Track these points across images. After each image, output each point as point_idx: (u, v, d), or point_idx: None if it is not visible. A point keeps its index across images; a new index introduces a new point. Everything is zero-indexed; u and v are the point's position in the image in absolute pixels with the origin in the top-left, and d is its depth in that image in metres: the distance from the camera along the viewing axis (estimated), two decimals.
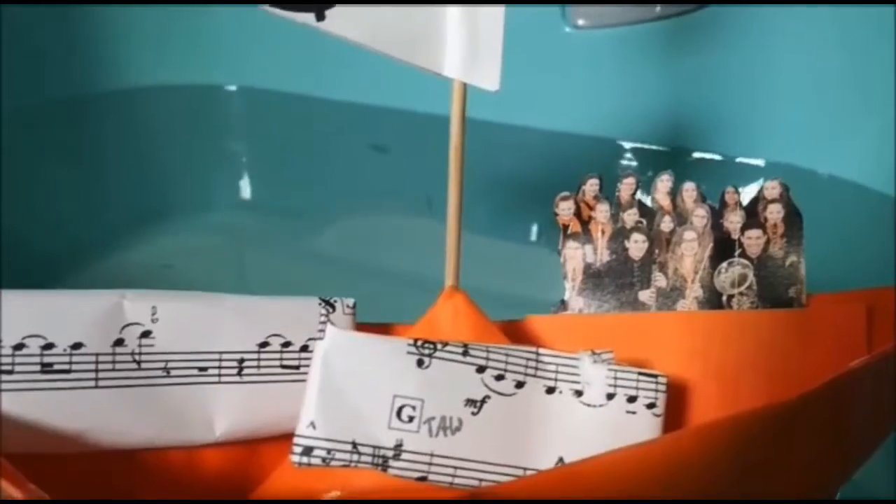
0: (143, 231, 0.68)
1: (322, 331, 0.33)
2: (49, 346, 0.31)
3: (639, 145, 0.76)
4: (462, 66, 0.33)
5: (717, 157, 0.75)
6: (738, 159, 0.75)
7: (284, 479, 0.32)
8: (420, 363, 0.31)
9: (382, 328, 0.37)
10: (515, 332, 0.38)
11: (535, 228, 0.68)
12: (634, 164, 0.76)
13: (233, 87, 0.86)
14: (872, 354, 0.30)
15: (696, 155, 0.75)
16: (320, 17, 0.31)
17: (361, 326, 0.36)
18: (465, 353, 0.32)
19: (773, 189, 0.39)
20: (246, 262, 0.69)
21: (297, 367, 0.35)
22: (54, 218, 0.68)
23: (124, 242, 0.67)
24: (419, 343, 0.31)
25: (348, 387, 0.30)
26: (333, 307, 0.36)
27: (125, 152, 0.78)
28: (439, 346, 0.31)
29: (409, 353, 0.31)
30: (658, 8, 0.71)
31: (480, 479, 0.31)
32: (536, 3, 0.72)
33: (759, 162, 0.74)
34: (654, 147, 0.76)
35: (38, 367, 0.30)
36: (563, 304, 0.40)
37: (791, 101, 0.72)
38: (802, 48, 0.71)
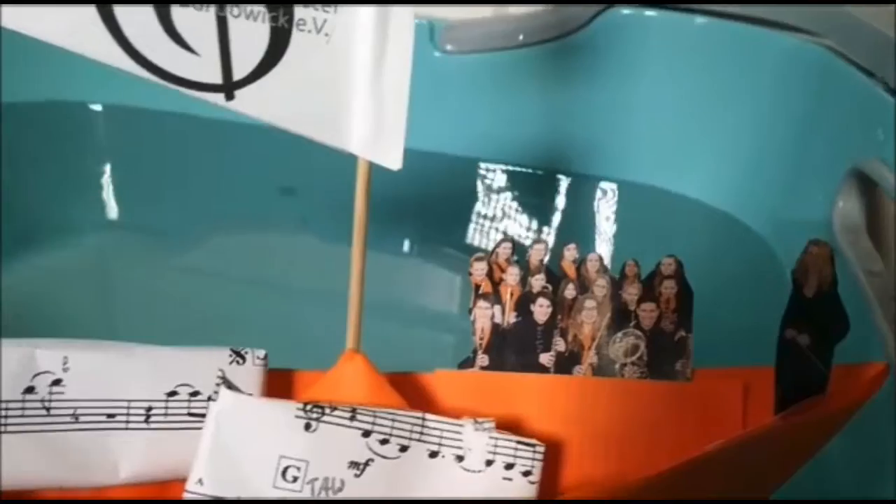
0: (7, 256, 0.67)
1: (222, 375, 0.35)
2: None
3: (506, 166, 0.82)
4: (367, 144, 0.35)
5: (578, 177, 0.81)
6: (599, 181, 0.81)
7: None
8: (307, 427, 0.33)
9: (288, 374, 0.38)
10: (420, 385, 0.40)
11: (406, 242, 0.73)
12: (502, 184, 0.81)
13: (97, 105, 0.84)
14: (729, 439, 0.32)
15: (559, 175, 0.81)
16: (230, 98, 0.33)
17: (271, 374, 0.38)
18: (352, 418, 0.34)
19: (668, 266, 0.41)
20: (114, 285, 0.69)
21: (205, 416, 0.37)
22: None
23: None
24: (308, 407, 0.33)
25: (237, 447, 0.32)
26: (244, 358, 0.38)
27: None
28: (327, 411, 0.34)
29: (297, 416, 0.33)
30: (521, 36, 0.75)
31: None
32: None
33: (615, 183, 0.81)
34: (519, 168, 0.81)
35: None
36: (470, 360, 0.42)
37: (647, 125, 0.79)
38: (656, 76, 0.77)
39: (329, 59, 0.34)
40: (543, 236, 0.81)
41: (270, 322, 0.64)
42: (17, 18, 0.30)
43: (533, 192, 0.83)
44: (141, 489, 0.36)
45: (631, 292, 0.41)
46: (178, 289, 0.69)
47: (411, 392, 0.40)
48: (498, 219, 0.81)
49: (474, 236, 0.80)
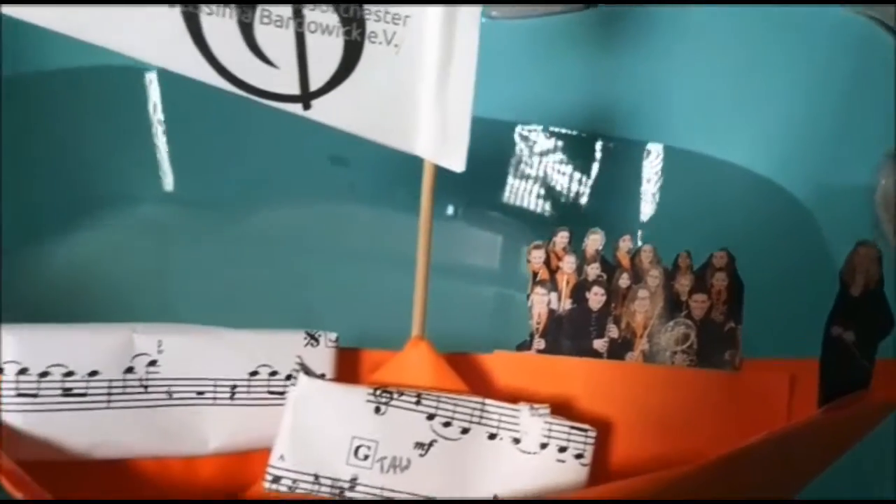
0: (66, 225, 0.70)
1: (300, 360, 0.39)
2: (69, 373, 0.37)
3: (549, 130, 0.83)
4: (432, 147, 0.37)
5: (622, 142, 0.82)
6: (643, 145, 0.82)
7: None
8: (377, 410, 0.36)
9: (355, 353, 0.41)
10: (480, 365, 0.43)
11: (450, 204, 0.76)
12: (546, 147, 0.83)
13: (151, 70, 0.84)
14: (771, 432, 0.34)
15: (603, 139, 0.83)
16: (307, 108, 0.36)
17: (341, 351, 0.41)
18: (417, 402, 0.37)
19: (720, 259, 0.42)
20: (169, 253, 0.71)
21: (282, 394, 0.40)
22: None
23: (46, 239, 0.69)
24: (378, 392, 0.37)
25: (314, 427, 0.36)
26: (317, 340, 0.41)
27: (42, 140, 0.76)
28: (395, 395, 0.37)
29: (368, 400, 0.36)
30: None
31: None
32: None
33: (659, 148, 0.82)
34: (563, 131, 0.83)
35: (59, 392, 0.36)
36: (527, 343, 0.44)
37: (691, 91, 0.79)
38: (700, 42, 0.77)
39: (398, 69, 0.36)
40: (585, 199, 0.82)
41: (325, 289, 0.67)
42: (108, 34, 0.33)
43: (576, 155, 0.84)
44: (226, 458, 0.40)
45: (683, 283, 0.43)
46: (231, 255, 0.71)
47: (471, 372, 0.42)
48: (541, 181, 0.83)
49: (517, 198, 0.82)
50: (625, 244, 0.44)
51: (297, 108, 0.36)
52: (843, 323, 0.37)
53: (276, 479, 0.36)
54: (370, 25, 0.35)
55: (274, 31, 0.34)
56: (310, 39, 0.35)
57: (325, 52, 0.35)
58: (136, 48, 0.33)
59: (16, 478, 0.32)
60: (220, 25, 0.33)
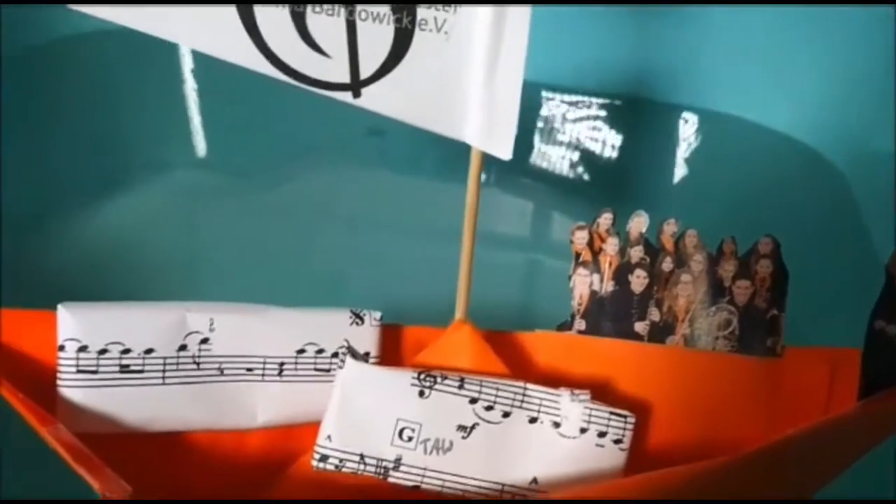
0: (99, 195, 0.70)
1: (348, 344, 0.40)
2: (126, 351, 0.38)
3: (583, 96, 0.83)
4: (480, 135, 0.37)
5: (658, 106, 0.82)
6: (681, 111, 0.82)
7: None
8: (421, 394, 0.37)
9: (398, 330, 0.42)
10: (520, 343, 0.44)
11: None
12: (579, 113, 0.83)
13: None
14: (809, 424, 0.35)
15: (639, 105, 0.83)
16: (357, 96, 0.36)
17: (385, 328, 0.42)
18: (460, 387, 0.38)
19: (766, 245, 0.42)
20: (203, 221, 0.72)
21: (328, 370, 0.41)
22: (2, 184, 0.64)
23: (80, 205, 0.69)
24: (422, 376, 0.37)
25: (360, 409, 0.37)
26: (362, 319, 0.42)
27: (75, 107, 0.76)
28: (439, 380, 0.38)
29: (412, 384, 0.37)
30: None
31: (464, 491, 0.38)
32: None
33: (692, 111, 0.82)
34: (598, 98, 0.83)
35: (117, 368, 0.38)
36: (568, 323, 0.45)
37: (730, 55, 0.79)
38: (738, 7, 0.77)
39: (448, 57, 0.36)
40: (617, 164, 0.81)
41: (356, 255, 0.67)
42: (163, 25, 0.33)
43: (612, 121, 0.84)
44: (274, 431, 0.42)
45: (727, 269, 0.43)
46: (263, 221, 0.72)
47: (511, 350, 0.43)
48: (573, 147, 0.82)
49: (549, 164, 0.82)
50: (669, 227, 0.44)
51: (346, 97, 0.36)
52: (887, 317, 0.37)
53: (324, 458, 0.37)
54: (421, 12, 0.35)
55: (325, 19, 0.34)
56: (360, 27, 0.35)
57: (376, 39, 0.35)
58: (191, 39, 0.34)
59: (75, 450, 0.33)
60: (273, 16, 0.34)
